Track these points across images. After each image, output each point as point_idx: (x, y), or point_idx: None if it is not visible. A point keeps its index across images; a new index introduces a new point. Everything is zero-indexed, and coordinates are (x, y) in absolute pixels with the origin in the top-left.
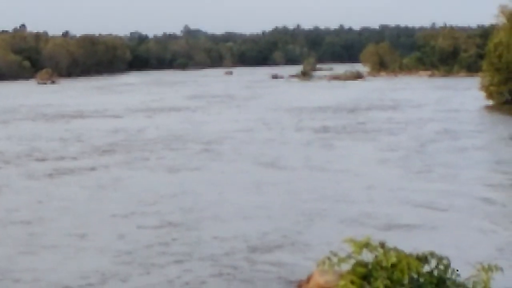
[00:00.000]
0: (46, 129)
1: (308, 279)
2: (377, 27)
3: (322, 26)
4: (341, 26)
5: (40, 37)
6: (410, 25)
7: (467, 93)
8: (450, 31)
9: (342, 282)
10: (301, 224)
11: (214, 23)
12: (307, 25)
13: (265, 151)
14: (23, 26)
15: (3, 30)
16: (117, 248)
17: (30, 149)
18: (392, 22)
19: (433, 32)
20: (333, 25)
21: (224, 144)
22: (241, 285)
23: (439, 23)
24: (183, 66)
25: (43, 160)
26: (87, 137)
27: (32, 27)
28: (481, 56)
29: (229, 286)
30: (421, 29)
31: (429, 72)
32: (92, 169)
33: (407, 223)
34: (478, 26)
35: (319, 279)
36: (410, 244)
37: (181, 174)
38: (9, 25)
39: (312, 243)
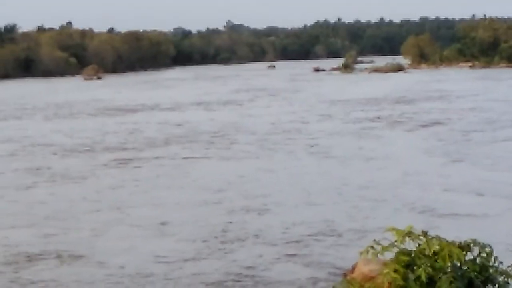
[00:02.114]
0: (103, 123)
1: (353, 268)
2: (417, 19)
3: (363, 19)
4: (382, 19)
5: (85, 33)
6: (450, 17)
7: (508, 84)
8: (490, 23)
9: (385, 270)
10: (358, 211)
11: (257, 18)
12: (348, 18)
13: (317, 141)
14: (69, 23)
15: (50, 28)
16: (191, 232)
17: (94, 142)
18: (432, 14)
19: (473, 24)
20: (374, 18)
21: (277, 135)
22: (299, 269)
23: (479, 15)
24: (226, 61)
25: (109, 151)
26: (145, 130)
27: (78, 24)
28: None
29: (287, 270)
30: (461, 20)
31: (469, 64)
32: (157, 158)
33: (456, 211)
34: None
35: (363, 268)
36: (459, 231)
37: (242, 163)
38: (56, 23)
39: (368, 230)
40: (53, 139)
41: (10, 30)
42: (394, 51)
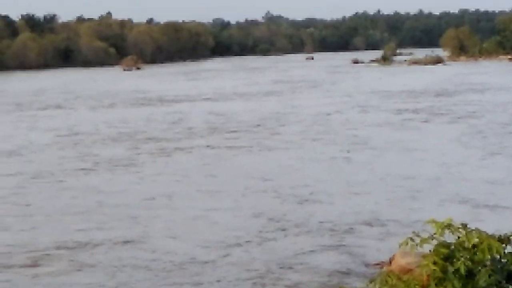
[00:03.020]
0: (146, 113)
1: (391, 260)
2: (457, 12)
3: (402, 11)
4: (421, 11)
5: (125, 24)
6: (490, 9)
7: None
8: None
9: (424, 262)
10: (399, 203)
11: (295, 9)
12: (387, 10)
13: (358, 132)
14: (109, 13)
15: (89, 18)
16: (237, 220)
17: (138, 131)
18: (471, 6)
19: None
20: (413, 10)
21: (319, 125)
22: (338, 259)
23: None
24: (265, 52)
25: (154, 141)
26: (188, 120)
27: (118, 15)
28: None
29: (327, 260)
30: (501, 13)
31: (509, 56)
32: (201, 148)
33: (496, 203)
34: None
35: (400, 260)
36: (500, 223)
37: (286, 153)
38: (95, 13)
39: (409, 221)
40: (98, 128)
41: (50, 20)
42: (433, 44)
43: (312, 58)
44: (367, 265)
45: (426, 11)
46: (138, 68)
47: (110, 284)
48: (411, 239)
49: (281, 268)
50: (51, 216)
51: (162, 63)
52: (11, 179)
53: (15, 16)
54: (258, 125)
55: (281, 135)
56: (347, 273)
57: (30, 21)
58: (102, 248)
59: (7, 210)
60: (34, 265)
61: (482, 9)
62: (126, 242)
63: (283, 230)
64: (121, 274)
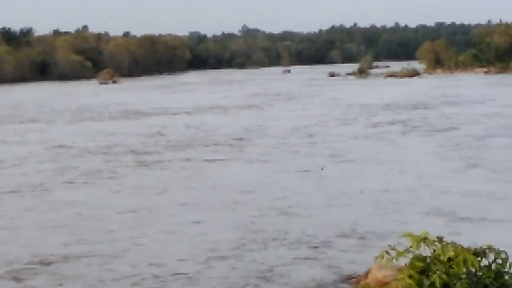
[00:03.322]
0: (122, 126)
1: (367, 273)
2: (433, 25)
3: (378, 24)
4: (397, 24)
5: (101, 37)
6: (465, 22)
7: None
8: (506, 28)
9: (400, 276)
10: (376, 215)
11: (272, 22)
12: (363, 23)
13: (335, 145)
14: (85, 27)
15: (65, 31)
16: (216, 232)
17: (115, 144)
18: (447, 19)
19: (489, 29)
20: (389, 23)
21: (296, 138)
22: (314, 272)
23: (495, 20)
24: (242, 65)
25: (132, 153)
26: (165, 133)
27: (94, 28)
28: None
29: (304, 273)
30: (477, 26)
31: (484, 69)
32: (179, 161)
33: (472, 215)
34: None
35: (377, 273)
36: (475, 236)
37: (264, 165)
38: (71, 27)
39: (385, 234)
40: (75, 141)
41: (26, 33)
42: (409, 56)
43: (289, 71)
44: (344, 278)
45: (402, 24)
46: (115, 82)
47: None
48: (387, 252)
49: (259, 279)
50: (30, 229)
51: (139, 76)
52: None
53: None
54: (237, 138)
55: (260, 147)
56: (324, 286)
57: (6, 35)
58: (82, 262)
59: None
60: (15, 278)
61: (458, 22)
62: (106, 255)
63: (262, 242)
64: (105, 285)
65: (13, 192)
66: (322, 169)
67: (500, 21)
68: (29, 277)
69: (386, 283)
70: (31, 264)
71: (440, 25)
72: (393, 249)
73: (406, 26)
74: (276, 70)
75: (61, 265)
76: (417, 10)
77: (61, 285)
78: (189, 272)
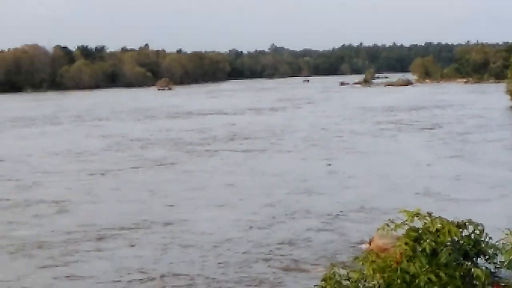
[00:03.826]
0: (180, 123)
1: (370, 242)
2: (423, 44)
3: (379, 43)
4: (394, 43)
5: (159, 53)
6: (449, 42)
7: (495, 96)
8: (482, 47)
9: (398, 243)
10: (379, 195)
11: (295, 42)
12: (367, 42)
13: (345, 139)
14: (146, 45)
15: (131, 48)
16: (254, 207)
17: (172, 138)
18: (435, 39)
19: (468, 48)
20: (388, 42)
21: (315, 134)
22: (329, 239)
23: (473, 41)
24: (270, 76)
25: (186, 145)
26: (212, 129)
27: (154, 46)
28: (506, 67)
29: (322, 239)
30: (458, 45)
31: (464, 80)
32: (224, 151)
33: (455, 196)
34: (504, 43)
35: (378, 241)
36: (457, 212)
37: (290, 155)
38: (136, 45)
39: (384, 210)
40: (141, 135)
41: (100, 50)
42: (404, 69)
43: (308, 81)
44: (352, 244)
45: (398, 43)
46: (170, 89)
47: (155, 256)
48: (387, 224)
49: (288, 244)
50: (111, 203)
51: (189, 84)
52: (77, 174)
53: (72, 46)
54: (268, 133)
55: (287, 141)
56: (337, 250)
57: (84, 51)
58: (151, 229)
59: (76, 199)
60: (98, 240)
61: (443, 42)
62: (169, 224)
63: (290, 215)
64: (165, 250)
65: (95, 174)
66: (329, 165)
67: (477, 41)
68: (109, 240)
69: (386, 249)
70: (111, 230)
71: (428, 45)
72: (392, 222)
73: (401, 45)
74: (298, 80)
75: (134, 231)
76: (410, 32)
77: (133, 246)
78: (234, 237)
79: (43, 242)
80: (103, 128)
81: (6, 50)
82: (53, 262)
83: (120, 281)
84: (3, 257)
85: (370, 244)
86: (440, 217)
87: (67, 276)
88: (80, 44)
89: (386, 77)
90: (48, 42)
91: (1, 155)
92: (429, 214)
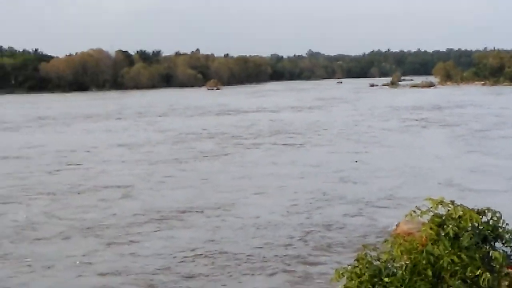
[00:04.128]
0: (227, 119)
1: (397, 226)
2: (445, 50)
3: (405, 49)
4: (419, 49)
5: (209, 57)
6: (468, 48)
7: (510, 97)
8: (498, 53)
9: (423, 228)
10: (405, 184)
11: (329, 47)
12: (394, 48)
13: (374, 134)
14: (197, 50)
15: (184, 53)
16: (296, 194)
17: (222, 132)
18: (455, 46)
19: (485, 54)
20: (413, 48)
21: (349, 129)
22: (361, 223)
23: (490, 47)
24: (307, 78)
25: (233, 139)
26: (256, 124)
27: (204, 51)
28: None
29: (355, 223)
30: (476, 51)
31: (482, 82)
32: (267, 144)
33: (475, 187)
34: None
35: (404, 226)
36: (476, 201)
37: (328, 148)
38: (188, 49)
39: (410, 198)
40: (194, 130)
41: (156, 54)
42: (427, 73)
43: (341, 83)
44: (381, 228)
45: (422, 49)
46: (218, 89)
47: (206, 236)
48: (414, 211)
49: (323, 227)
50: (170, 189)
51: (235, 85)
52: (139, 164)
53: (132, 51)
54: (306, 129)
55: (323, 135)
56: (367, 233)
57: (143, 55)
58: (204, 213)
59: (138, 185)
60: (159, 221)
61: (463, 48)
62: (220, 208)
63: (326, 202)
64: (215, 231)
65: (154, 164)
66: (356, 162)
67: (494, 48)
68: (167, 222)
69: (410, 233)
70: (169, 213)
71: (449, 50)
72: (418, 209)
73: (425, 51)
74: (332, 81)
75: (189, 214)
76: (433, 39)
77: (187, 227)
78: (276, 220)
79: (109, 223)
80: (160, 123)
81: (74, 54)
82: (118, 240)
83: (175, 257)
84: (75, 236)
85: (396, 229)
86: (461, 205)
87: (131, 253)
88: (139, 49)
89: (411, 80)
90: (111, 46)
91: (72, 147)
92: (452, 202)
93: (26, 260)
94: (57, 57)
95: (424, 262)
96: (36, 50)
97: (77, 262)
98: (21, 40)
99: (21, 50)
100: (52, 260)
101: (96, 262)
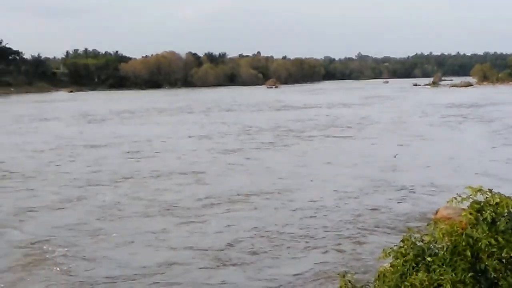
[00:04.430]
0: (284, 114)
1: (437, 212)
2: (482, 53)
3: (445, 52)
4: (458, 53)
5: (268, 59)
6: (504, 51)
7: None
8: None
9: (464, 213)
10: (447, 174)
11: (377, 51)
12: (436, 51)
13: (417, 129)
14: (258, 52)
15: (246, 55)
16: (348, 181)
17: (279, 126)
18: (492, 50)
19: None
20: (453, 52)
21: (394, 124)
22: (404, 208)
23: None
24: (356, 78)
25: (291, 132)
26: (311, 119)
27: (264, 53)
28: None
29: (399, 207)
30: (511, 54)
31: None
32: (322, 136)
33: (505, 176)
34: None
35: (443, 212)
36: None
37: (375, 140)
38: (250, 52)
39: (449, 186)
40: (255, 123)
41: (222, 56)
42: (466, 74)
43: (387, 82)
44: (423, 213)
45: (461, 52)
46: (276, 87)
47: (267, 217)
48: (455, 198)
49: (372, 211)
50: (235, 175)
51: (291, 84)
52: (208, 152)
53: (200, 53)
54: (356, 123)
55: (371, 129)
56: (410, 217)
57: (210, 57)
58: (265, 196)
59: (208, 171)
60: (226, 204)
61: (498, 51)
62: (279, 193)
63: (374, 188)
64: (275, 213)
65: (222, 153)
66: (395, 156)
67: None
68: (234, 204)
69: (449, 218)
70: (236, 196)
71: (486, 53)
72: (459, 196)
73: (464, 54)
74: (379, 81)
75: (253, 197)
76: (471, 44)
77: (252, 209)
78: (330, 204)
79: (183, 205)
80: (226, 117)
81: (150, 56)
82: (190, 219)
83: (239, 235)
84: (153, 215)
85: (436, 214)
86: (499, 193)
87: (200, 231)
88: (207, 51)
89: (451, 80)
90: (182, 49)
91: (149, 137)
92: (490, 190)
93: (112, 236)
94: (134, 58)
95: (463, 244)
96: (116, 52)
97: (154, 238)
98: (103, 43)
99: (103, 52)
100: (133, 236)
101: (171, 238)
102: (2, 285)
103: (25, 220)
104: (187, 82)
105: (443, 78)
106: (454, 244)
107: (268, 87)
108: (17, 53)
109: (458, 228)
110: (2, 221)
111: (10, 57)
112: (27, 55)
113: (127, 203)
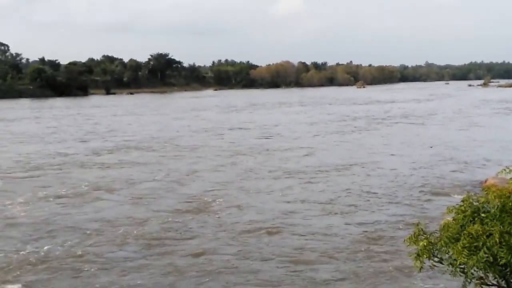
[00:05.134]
0: (371, 107)
1: (485, 181)
2: None
3: (494, 61)
4: (504, 61)
5: (358, 66)
6: None
7: None
8: None
9: (510, 182)
10: (493, 152)
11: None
12: (486, 60)
13: (472, 118)
14: (350, 61)
15: (341, 63)
16: (419, 156)
17: (368, 115)
18: None
19: None
20: (500, 60)
21: (456, 115)
22: (458, 178)
23: None
24: (424, 80)
25: (376, 120)
26: (390, 110)
27: (355, 62)
28: None
29: (454, 177)
30: None
31: None
32: (396, 123)
33: None
34: None
35: (491, 181)
36: None
37: (438, 127)
38: (344, 61)
39: (498, 160)
40: (349, 113)
41: (324, 64)
42: (510, 77)
43: (448, 83)
44: (475, 181)
45: (506, 61)
46: (364, 87)
47: (355, 182)
48: (504, 169)
49: (435, 178)
50: (335, 151)
51: (375, 85)
52: (316, 134)
53: (308, 62)
54: (424, 113)
55: (436, 119)
56: (466, 184)
57: (315, 65)
58: (357, 166)
59: (316, 148)
60: (325, 172)
61: None
62: (367, 163)
63: (439, 161)
64: (364, 179)
65: (326, 135)
66: (431, 147)
67: None
68: (334, 171)
69: (496, 186)
70: (335, 166)
71: None
72: (508, 168)
73: (508, 62)
74: (441, 83)
75: (346, 168)
76: None
77: (348, 175)
78: (404, 173)
79: (299, 171)
80: (329, 109)
81: (272, 64)
82: (304, 181)
83: (338, 193)
84: (279, 177)
85: (486, 182)
86: None
87: (311, 189)
88: (313, 61)
89: (498, 82)
90: (295, 59)
91: (273, 123)
92: None
93: (251, 192)
94: (261, 66)
95: (510, 204)
96: (247, 61)
97: (280, 193)
98: (239, 55)
99: (238, 62)
100: (265, 192)
101: (291, 194)
102: (172, 224)
103: (193, 179)
104: (298, 83)
105: (491, 80)
106: (503, 204)
107: (357, 87)
108: (179, 62)
109: (506, 192)
110: (180, 180)
111: (174, 65)
112: (185, 64)
113: (261, 169)
